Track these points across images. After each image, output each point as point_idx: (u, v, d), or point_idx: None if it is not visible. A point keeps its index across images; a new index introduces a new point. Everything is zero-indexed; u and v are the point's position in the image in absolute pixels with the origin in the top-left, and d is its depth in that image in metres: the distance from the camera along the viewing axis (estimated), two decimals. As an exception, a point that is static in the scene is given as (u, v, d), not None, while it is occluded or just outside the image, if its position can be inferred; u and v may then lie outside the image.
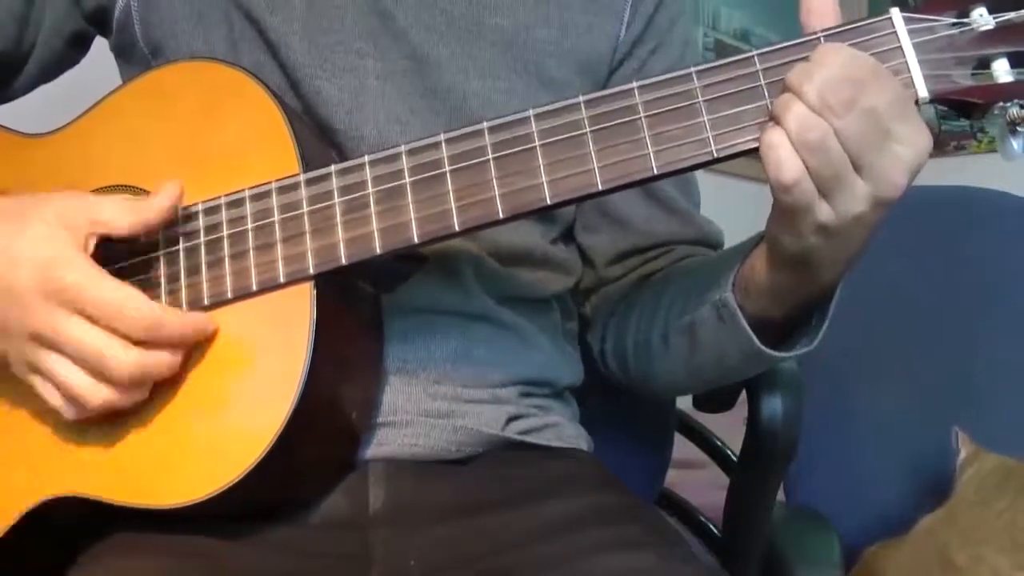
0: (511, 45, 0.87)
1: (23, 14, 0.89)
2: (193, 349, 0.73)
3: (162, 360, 0.71)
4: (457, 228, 0.71)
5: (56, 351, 0.70)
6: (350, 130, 0.82)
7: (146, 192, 0.78)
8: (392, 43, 0.85)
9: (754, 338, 0.77)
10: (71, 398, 0.71)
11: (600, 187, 0.69)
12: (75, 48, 0.94)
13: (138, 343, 0.70)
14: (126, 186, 0.79)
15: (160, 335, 0.70)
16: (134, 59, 0.89)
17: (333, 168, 0.74)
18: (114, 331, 0.69)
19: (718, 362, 0.83)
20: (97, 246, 0.73)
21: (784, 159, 0.65)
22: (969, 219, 1.43)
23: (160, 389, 0.73)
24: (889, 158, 0.65)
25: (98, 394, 0.70)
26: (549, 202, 0.70)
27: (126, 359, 0.69)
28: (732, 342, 0.79)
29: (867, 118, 0.64)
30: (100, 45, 0.95)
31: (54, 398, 0.72)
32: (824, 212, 0.66)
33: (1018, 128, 0.67)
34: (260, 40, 0.84)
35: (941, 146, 3.20)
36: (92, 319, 0.69)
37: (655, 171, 0.68)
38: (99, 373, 0.70)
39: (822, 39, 0.67)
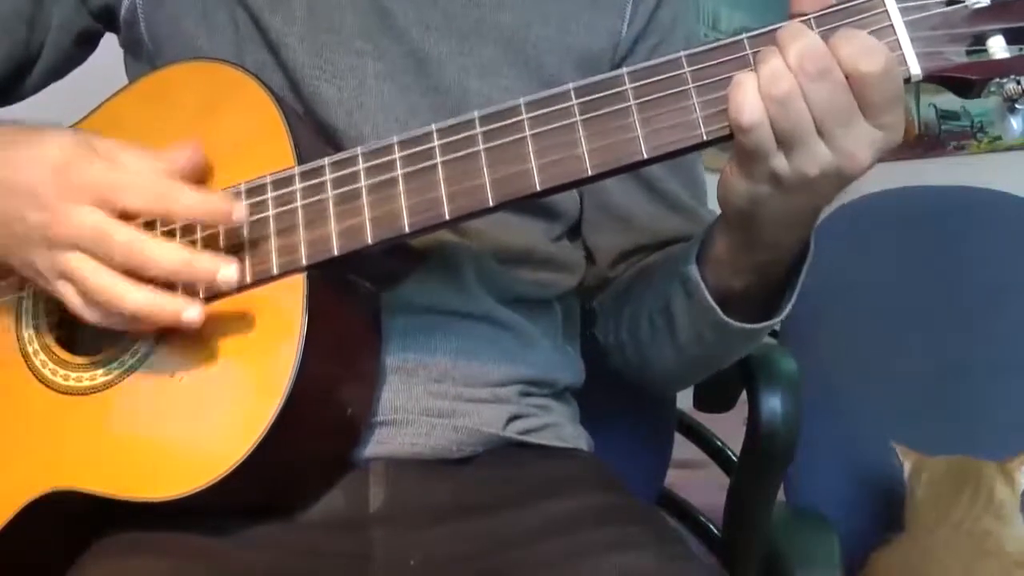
0: (511, 43, 0.87)
1: (32, 15, 0.90)
2: (188, 344, 0.73)
3: (203, 262, 0.69)
4: (448, 216, 0.71)
5: (84, 251, 0.69)
6: (350, 130, 0.82)
7: None
8: (392, 42, 0.85)
9: (715, 307, 0.78)
10: (105, 301, 0.69)
11: (590, 172, 0.69)
12: (83, 46, 0.94)
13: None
14: None
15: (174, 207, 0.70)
16: (141, 56, 0.90)
17: (327, 161, 0.74)
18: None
19: (698, 341, 0.83)
20: None
21: (746, 101, 0.66)
22: (969, 219, 1.43)
23: (155, 383, 0.73)
24: (855, 135, 0.66)
25: (132, 294, 0.69)
26: (539, 188, 0.70)
27: (165, 248, 0.69)
28: (702, 316, 0.80)
29: (838, 89, 0.65)
30: (104, 45, 0.95)
31: (83, 303, 0.70)
32: (780, 162, 0.67)
33: (1016, 105, 0.67)
34: (262, 41, 0.84)
35: (941, 146, 3.20)
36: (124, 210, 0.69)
37: (644, 155, 0.69)
38: (133, 269, 0.69)
39: (812, 22, 0.68)
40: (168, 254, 0.69)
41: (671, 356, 0.88)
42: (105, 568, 0.72)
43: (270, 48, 0.84)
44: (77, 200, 0.69)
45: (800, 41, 0.65)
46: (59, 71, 0.95)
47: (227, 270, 0.70)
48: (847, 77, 0.65)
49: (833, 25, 0.67)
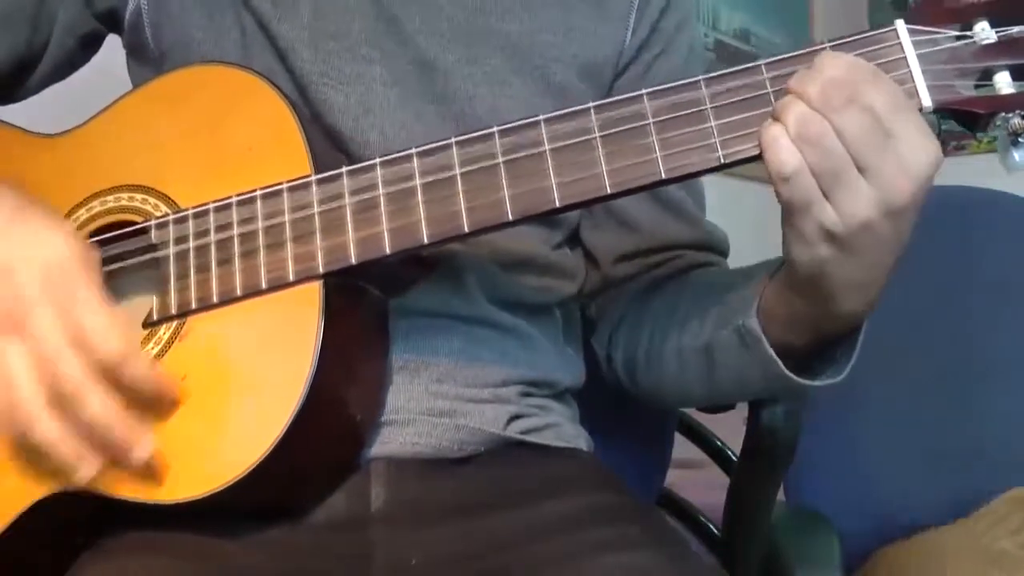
0: (517, 51, 0.87)
1: (36, 16, 0.90)
2: (201, 347, 0.73)
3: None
4: (467, 229, 0.72)
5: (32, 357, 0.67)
6: (356, 136, 0.83)
7: (162, 194, 0.78)
8: (398, 49, 0.85)
9: (780, 365, 0.76)
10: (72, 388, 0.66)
11: (609, 191, 0.70)
12: (87, 48, 0.94)
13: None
14: (140, 186, 0.79)
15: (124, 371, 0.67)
16: (145, 59, 0.90)
17: (344, 169, 0.74)
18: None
19: (739, 383, 0.83)
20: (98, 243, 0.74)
21: (783, 151, 0.66)
22: (969, 219, 1.43)
23: None
24: (892, 161, 0.65)
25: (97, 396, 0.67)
26: (558, 205, 0.71)
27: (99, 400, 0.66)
28: (756, 366, 0.78)
29: (865, 115, 0.65)
30: (108, 46, 0.96)
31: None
32: (828, 214, 0.66)
33: (1019, 139, 0.69)
34: (270, 47, 0.84)
35: (941, 146, 3.20)
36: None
37: (663, 176, 0.70)
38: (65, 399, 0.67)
39: (828, 48, 0.69)
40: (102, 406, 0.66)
41: (697, 388, 0.88)
42: (105, 568, 0.72)
43: (277, 54, 0.84)
44: (49, 304, 0.67)
45: (818, 79, 0.66)
46: (62, 72, 0.95)
47: (141, 449, 0.68)
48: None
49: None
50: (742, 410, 1.05)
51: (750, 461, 1.07)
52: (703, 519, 1.25)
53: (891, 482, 1.30)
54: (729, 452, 1.25)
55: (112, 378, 0.68)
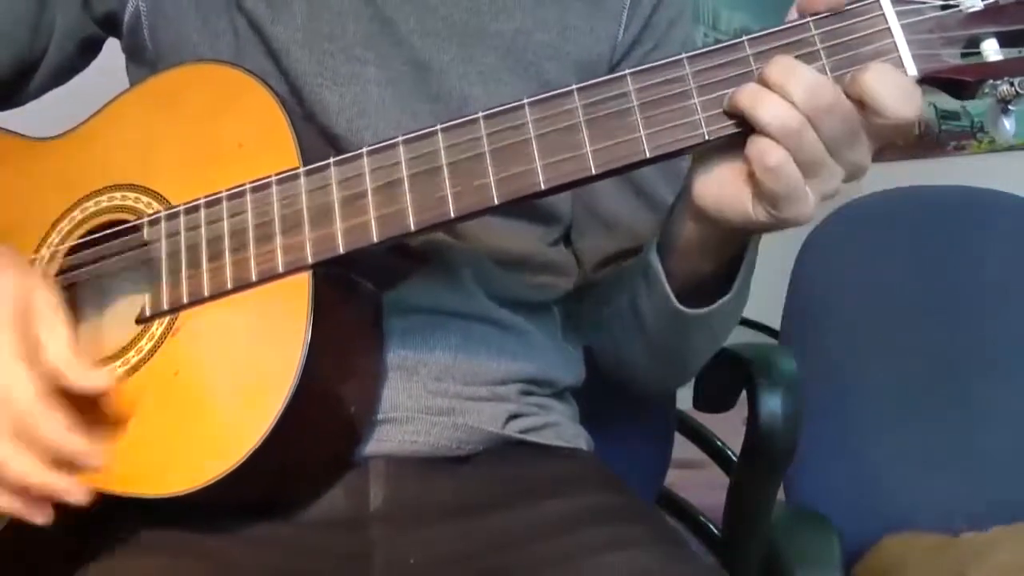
0: (511, 50, 0.87)
1: (35, 21, 0.90)
2: (194, 342, 0.74)
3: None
4: (453, 215, 0.71)
5: None
6: (351, 136, 0.83)
7: (154, 192, 0.79)
8: (393, 50, 0.85)
9: (671, 295, 0.78)
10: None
11: (594, 171, 0.70)
12: (87, 52, 0.95)
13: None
14: (133, 185, 0.80)
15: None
16: (143, 61, 0.90)
17: (331, 160, 0.74)
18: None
19: (665, 333, 0.84)
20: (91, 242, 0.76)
21: (767, 144, 0.66)
22: (969, 219, 1.43)
23: (158, 379, 0.73)
24: (860, 150, 0.67)
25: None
26: (543, 187, 0.70)
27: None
28: (661, 306, 0.80)
29: (847, 117, 0.66)
30: (110, 48, 0.96)
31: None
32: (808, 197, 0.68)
33: (1009, 106, 0.68)
34: (263, 48, 0.85)
35: (941, 146, 3.20)
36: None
37: (647, 154, 0.69)
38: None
39: (811, 24, 0.68)
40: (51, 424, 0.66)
41: (641, 352, 0.89)
42: (105, 568, 0.72)
43: (271, 55, 0.84)
44: None
45: (801, 78, 0.66)
46: (62, 77, 0.95)
47: (95, 459, 0.67)
48: (875, 115, 0.66)
49: (832, 28, 0.68)
50: (742, 410, 1.05)
51: (750, 461, 1.07)
52: (703, 519, 1.26)
53: (891, 482, 1.30)
54: (729, 452, 1.25)
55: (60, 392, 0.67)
